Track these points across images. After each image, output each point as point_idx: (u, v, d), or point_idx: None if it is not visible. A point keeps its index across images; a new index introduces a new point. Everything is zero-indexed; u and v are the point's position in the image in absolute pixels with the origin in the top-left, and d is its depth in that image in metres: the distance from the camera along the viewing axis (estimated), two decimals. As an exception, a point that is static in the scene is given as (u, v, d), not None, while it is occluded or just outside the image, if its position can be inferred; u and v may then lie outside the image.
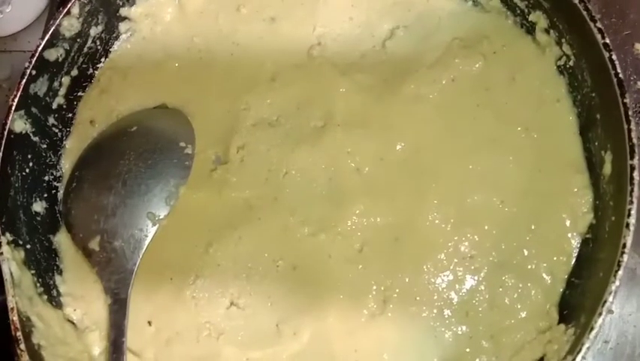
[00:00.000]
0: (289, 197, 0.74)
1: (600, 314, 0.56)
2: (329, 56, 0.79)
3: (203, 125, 0.79)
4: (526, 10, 0.76)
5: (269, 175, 0.75)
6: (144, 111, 0.81)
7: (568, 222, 0.68)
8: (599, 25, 0.62)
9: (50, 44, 0.76)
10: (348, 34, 0.80)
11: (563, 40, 0.71)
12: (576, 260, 0.67)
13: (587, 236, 0.68)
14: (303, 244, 0.73)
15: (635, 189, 0.57)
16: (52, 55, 0.77)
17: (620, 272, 0.56)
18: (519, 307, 0.67)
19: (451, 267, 0.69)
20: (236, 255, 0.74)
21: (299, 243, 0.73)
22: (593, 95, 0.68)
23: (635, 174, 0.58)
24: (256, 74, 0.80)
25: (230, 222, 0.74)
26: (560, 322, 0.66)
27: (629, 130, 0.59)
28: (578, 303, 0.65)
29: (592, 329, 0.56)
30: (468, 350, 0.67)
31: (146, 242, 0.73)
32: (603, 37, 0.62)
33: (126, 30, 0.84)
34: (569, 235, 0.68)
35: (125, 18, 0.84)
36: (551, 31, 0.73)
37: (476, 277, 0.69)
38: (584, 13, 0.64)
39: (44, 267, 0.76)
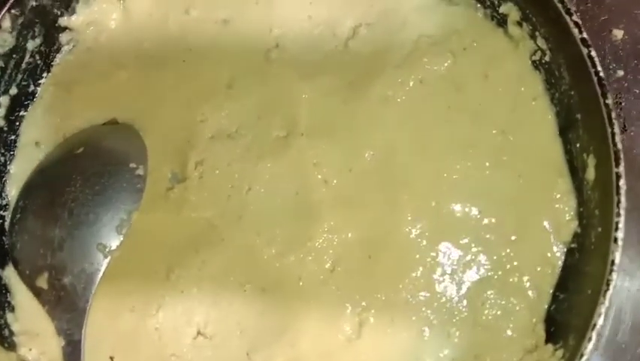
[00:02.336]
0: (254, 215, 0.71)
1: (590, 339, 0.52)
2: (288, 58, 0.75)
3: (157, 140, 0.75)
4: (496, 2, 0.72)
5: (231, 192, 0.72)
6: (92, 129, 0.76)
7: (551, 231, 0.66)
8: (575, 18, 0.57)
9: (-19, 64, 0.71)
10: (308, 34, 0.76)
11: (537, 33, 0.68)
12: (561, 272, 0.65)
13: (572, 246, 0.65)
14: (271, 265, 0.70)
15: (622, 199, 0.53)
16: None
17: (610, 292, 0.52)
18: (503, 324, 0.65)
19: (430, 284, 0.67)
20: (200, 280, 0.70)
21: (267, 265, 0.70)
22: (572, 92, 0.65)
23: (622, 182, 0.54)
24: (212, 81, 0.76)
25: (192, 245, 0.71)
26: (547, 340, 0.63)
27: (613, 134, 0.54)
28: (565, 320, 0.62)
29: (582, 355, 0.52)
30: (451, 372, 0.65)
31: (98, 276, 0.68)
32: (580, 32, 0.57)
33: (68, 41, 0.79)
34: (553, 244, 0.66)
35: (65, 28, 0.78)
36: (524, 23, 0.70)
37: (456, 294, 0.66)
38: (559, 5, 0.59)
39: (-7, 305, 0.71)
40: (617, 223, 0.54)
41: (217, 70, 0.76)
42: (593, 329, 0.52)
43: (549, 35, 0.66)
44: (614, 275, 0.52)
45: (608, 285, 0.52)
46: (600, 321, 0.52)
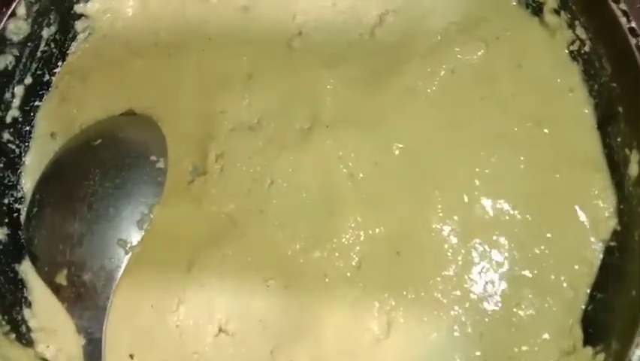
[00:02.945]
0: (276, 209, 0.69)
1: (638, 345, 0.49)
2: (312, 47, 0.74)
3: (176, 132, 0.73)
4: (532, -12, 0.70)
5: (252, 186, 0.70)
6: (109, 120, 0.74)
7: (588, 228, 0.64)
8: (622, 6, 0.54)
9: (-4, 52, 0.69)
10: (332, 21, 0.74)
11: (577, 22, 0.67)
12: (600, 271, 0.63)
13: (612, 244, 0.64)
14: (295, 261, 0.68)
15: (672, 196, 0.51)
16: (0, 63, 0.71)
17: (659, 294, 0.50)
18: (538, 325, 0.63)
19: (461, 283, 0.65)
20: (221, 274, 0.69)
21: (290, 260, 0.68)
22: (614, 85, 0.63)
23: (671, 180, 0.52)
24: (231, 71, 0.74)
25: (213, 240, 0.69)
26: (586, 342, 0.61)
27: (662, 129, 0.52)
28: (605, 322, 0.60)
29: (629, 361, 0.50)
30: (483, 374, 0.63)
31: (119, 273, 0.66)
32: (629, 21, 0.55)
33: (83, 29, 0.78)
34: (591, 242, 0.64)
35: (80, 15, 0.77)
36: (562, 12, 0.68)
37: (489, 294, 0.65)
38: (605, -8, 0.56)
39: (10, 301, 0.70)
40: (666, 223, 0.51)
41: (237, 59, 0.74)
42: (640, 334, 0.49)
43: (590, 24, 0.64)
44: (663, 276, 0.50)
45: (656, 286, 0.50)
46: (648, 325, 0.50)
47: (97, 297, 0.66)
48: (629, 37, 0.55)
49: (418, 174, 0.68)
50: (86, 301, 0.66)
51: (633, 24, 0.54)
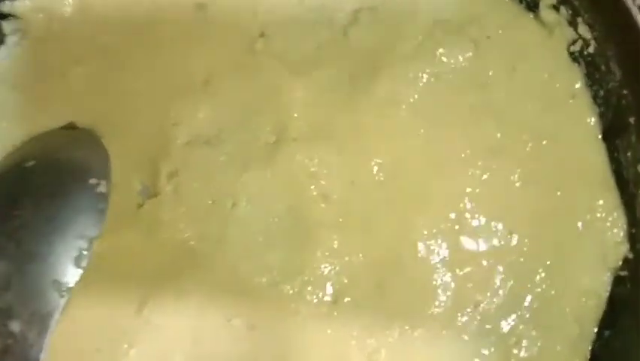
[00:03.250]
0: (240, 236, 0.65)
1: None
2: (277, 50, 0.69)
3: (122, 147, 0.68)
4: (527, -19, 0.67)
5: (212, 209, 0.65)
6: (46, 135, 0.68)
7: (595, 255, 0.61)
8: (639, 1, 0.49)
9: None
10: (300, 20, 0.70)
11: (579, 19, 0.63)
12: (608, 305, 0.60)
13: (622, 273, 0.60)
14: (262, 296, 0.63)
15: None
16: None
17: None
18: None
19: (451, 318, 0.61)
20: (177, 313, 0.63)
21: (256, 296, 0.63)
22: (625, 92, 0.59)
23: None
24: (185, 77, 0.70)
25: (168, 273, 0.64)
26: None
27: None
28: None
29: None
30: None
31: (54, 319, 0.59)
32: (645, 17, 0.50)
33: (13, 31, 0.72)
34: (598, 271, 0.61)
35: (7, 15, 0.71)
36: (562, 7, 0.65)
37: (484, 330, 0.61)
38: (616, -15, 0.51)
39: None
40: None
41: (191, 64, 0.70)
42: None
43: (596, 22, 0.60)
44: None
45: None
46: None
47: (28, 349, 0.59)
48: (644, 36, 0.49)
49: (401, 195, 0.64)
50: (15, 354, 0.59)
51: (648, 21, 0.49)
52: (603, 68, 0.61)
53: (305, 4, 0.70)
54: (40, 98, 0.71)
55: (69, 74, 0.70)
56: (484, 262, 0.62)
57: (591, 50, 0.62)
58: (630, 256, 0.59)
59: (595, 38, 0.61)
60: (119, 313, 0.64)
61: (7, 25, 0.71)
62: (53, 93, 0.71)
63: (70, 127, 0.69)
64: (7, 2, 0.70)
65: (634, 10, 0.50)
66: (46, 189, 0.63)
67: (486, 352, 0.59)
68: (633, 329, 0.55)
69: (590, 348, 0.59)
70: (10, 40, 0.72)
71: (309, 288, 0.62)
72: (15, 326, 0.59)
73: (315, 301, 0.62)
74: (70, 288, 0.61)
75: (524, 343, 0.59)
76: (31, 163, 0.65)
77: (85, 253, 0.62)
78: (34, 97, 0.71)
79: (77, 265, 0.61)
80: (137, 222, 0.66)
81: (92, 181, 0.64)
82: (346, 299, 0.62)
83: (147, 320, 0.63)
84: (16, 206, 0.62)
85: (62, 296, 0.60)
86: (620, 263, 0.60)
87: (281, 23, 0.70)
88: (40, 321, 0.59)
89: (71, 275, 0.61)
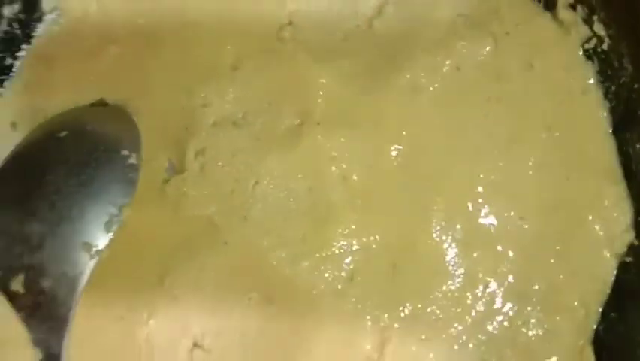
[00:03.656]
0: (261, 214, 0.66)
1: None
2: (304, 38, 0.71)
3: (151, 125, 0.70)
4: (545, -20, 0.69)
5: (235, 187, 0.67)
6: (77, 110, 0.70)
7: (602, 242, 0.63)
8: (655, 0, 0.52)
9: (-49, 32, 0.66)
10: (327, 10, 0.72)
11: (595, 17, 0.65)
12: (614, 289, 0.62)
13: (627, 260, 0.62)
14: (281, 272, 0.65)
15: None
16: None
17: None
18: (546, 346, 0.61)
19: (462, 299, 0.63)
20: (197, 286, 0.65)
21: (275, 271, 0.65)
22: (635, 86, 0.61)
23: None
24: (215, 61, 0.71)
25: (190, 247, 0.66)
26: None
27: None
28: (621, 345, 0.59)
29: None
30: (484, 402, 0.62)
31: (83, 280, 0.61)
32: (660, 17, 0.52)
33: (51, 9, 0.74)
34: (604, 257, 0.62)
35: None
36: (578, 6, 0.66)
37: (493, 312, 0.62)
38: (632, -17, 0.54)
39: (-43, 308, 0.64)
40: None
41: (221, 48, 0.72)
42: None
43: (611, 20, 0.63)
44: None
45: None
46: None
47: (57, 307, 0.60)
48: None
49: (418, 179, 0.66)
50: (44, 311, 0.60)
51: (664, 19, 0.52)
52: (616, 64, 0.63)
53: None
54: (73, 74, 0.73)
55: (102, 53, 0.72)
56: (496, 246, 0.63)
57: (605, 47, 0.64)
58: (636, 242, 0.61)
59: (609, 36, 0.63)
60: (141, 283, 0.66)
61: (46, 4, 0.74)
62: (86, 70, 0.73)
63: (101, 104, 0.71)
64: None
65: None
66: (79, 158, 0.65)
67: (494, 330, 0.61)
68: (637, 313, 0.57)
69: (594, 329, 0.61)
70: (48, 17, 0.74)
71: (326, 265, 0.64)
72: (46, 284, 0.60)
73: (331, 277, 0.64)
74: (100, 250, 0.62)
75: (532, 323, 0.61)
76: (63, 133, 0.66)
77: (115, 218, 0.63)
78: (67, 73, 0.73)
79: (107, 229, 0.63)
80: (163, 197, 0.68)
81: (124, 153, 0.66)
82: (361, 277, 0.64)
83: (168, 291, 0.65)
84: (50, 172, 0.64)
85: (92, 258, 0.62)
86: (626, 250, 0.61)
87: (308, 13, 0.72)
88: (70, 281, 0.60)
89: (101, 239, 0.62)
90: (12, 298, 0.61)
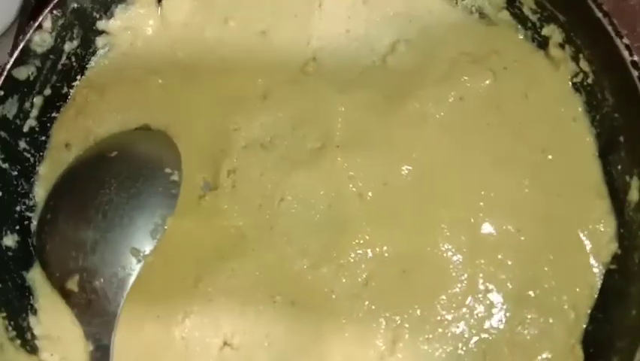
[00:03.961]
0: (286, 226, 0.70)
1: (639, 361, 0.52)
2: (325, 72, 0.75)
3: (189, 147, 0.74)
4: (538, 24, 0.73)
5: (263, 202, 0.71)
6: (125, 133, 0.76)
7: (589, 252, 0.66)
8: (626, 41, 0.58)
9: (20, 62, 0.71)
10: (346, 48, 0.76)
11: (581, 55, 0.69)
12: (600, 293, 0.65)
13: (612, 267, 0.65)
14: (303, 277, 0.68)
15: (672, 220, 0.54)
16: (23, 73, 0.72)
17: (659, 313, 0.52)
18: (540, 345, 0.64)
19: (466, 302, 0.66)
20: (228, 289, 0.69)
21: (298, 276, 0.68)
22: (616, 115, 0.65)
23: (672, 204, 0.54)
24: (246, 91, 0.75)
25: (222, 254, 0.70)
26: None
27: (661, 157, 0.55)
28: (606, 342, 0.62)
29: (629, 376, 0.52)
30: (486, 393, 0.64)
31: (130, 281, 0.67)
32: (631, 55, 0.59)
33: (104, 45, 0.79)
34: (592, 265, 0.66)
35: (102, 32, 0.79)
36: (567, 46, 0.70)
37: (493, 313, 0.66)
38: (609, 27, 0.60)
39: (16, 307, 0.70)
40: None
41: (252, 80, 0.76)
42: (641, 350, 0.51)
43: (594, 58, 0.67)
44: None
45: (656, 304, 0.52)
46: (649, 342, 0.52)
47: (107, 304, 0.66)
48: (632, 70, 0.58)
49: (426, 195, 0.69)
50: (96, 307, 0.66)
51: (635, 58, 0.58)
52: (599, 96, 0.67)
53: (351, 35, 0.76)
54: (120, 102, 0.77)
55: (146, 83, 0.77)
56: (495, 255, 0.66)
57: (590, 81, 0.68)
58: (619, 252, 0.64)
59: (593, 71, 0.67)
60: (178, 286, 0.69)
61: (100, 40, 0.78)
62: (131, 98, 0.77)
63: (145, 128, 0.76)
64: (102, 21, 0.77)
65: (623, 49, 0.58)
66: (128, 174, 0.70)
67: (494, 330, 0.65)
68: (621, 312, 0.60)
69: (584, 328, 0.64)
70: (101, 52, 0.79)
71: (344, 271, 0.67)
72: (98, 284, 0.66)
73: (348, 283, 0.67)
74: (147, 255, 0.68)
75: (527, 324, 0.64)
76: (114, 153, 0.72)
77: (159, 227, 0.69)
78: (115, 101, 0.77)
79: (153, 236, 0.69)
80: (198, 211, 0.71)
81: (167, 170, 0.71)
82: (375, 283, 0.67)
83: (202, 294, 0.69)
84: (102, 186, 0.70)
85: (139, 261, 0.68)
86: (611, 258, 0.65)
87: (330, 50, 0.76)
88: (120, 281, 0.66)
89: (148, 244, 0.68)
90: (67, 296, 0.67)
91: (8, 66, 0.69)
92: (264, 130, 0.74)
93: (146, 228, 0.69)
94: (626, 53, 0.59)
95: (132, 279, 0.67)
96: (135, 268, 0.68)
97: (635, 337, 0.53)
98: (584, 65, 0.69)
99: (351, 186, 0.70)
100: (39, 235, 0.71)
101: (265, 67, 0.76)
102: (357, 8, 0.77)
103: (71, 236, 0.68)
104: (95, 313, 0.66)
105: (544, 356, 0.63)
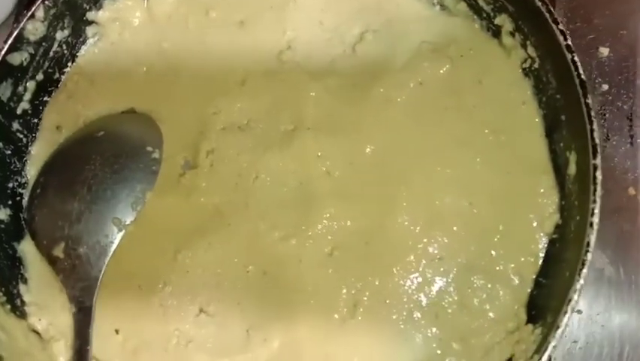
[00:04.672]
0: (259, 202, 0.73)
1: (565, 313, 0.56)
2: (299, 60, 0.79)
3: (172, 129, 0.78)
4: (491, 14, 0.76)
5: (239, 180, 0.74)
6: (111, 116, 0.79)
7: (535, 223, 0.69)
8: (561, 27, 0.63)
9: (14, 48, 0.75)
10: (319, 38, 0.80)
11: (528, 42, 0.72)
12: (543, 260, 0.68)
13: (554, 236, 0.68)
14: (274, 249, 0.72)
15: (598, 188, 0.59)
16: (16, 59, 0.76)
17: (585, 271, 0.57)
18: (488, 308, 0.67)
19: (420, 269, 0.69)
20: (205, 262, 0.72)
21: (269, 248, 0.72)
22: (558, 96, 0.69)
23: (598, 173, 0.59)
24: (226, 78, 0.79)
25: (200, 229, 0.73)
26: (528, 322, 0.66)
27: (592, 130, 0.60)
28: (545, 303, 0.65)
29: (558, 327, 0.56)
30: (439, 351, 0.68)
31: (112, 248, 0.71)
32: (565, 39, 0.63)
33: (93, 34, 0.83)
34: (537, 235, 0.69)
35: (92, 22, 0.82)
36: (516, 34, 0.73)
37: (445, 279, 0.69)
38: (547, 15, 0.65)
39: (8, 276, 0.74)
40: (592, 209, 0.58)
41: (232, 68, 0.79)
42: (568, 304, 0.56)
43: (538, 44, 0.70)
44: (589, 255, 0.56)
45: (583, 265, 0.57)
46: (575, 297, 0.56)
47: (90, 269, 0.70)
48: (566, 53, 0.63)
49: (388, 174, 0.72)
50: (79, 272, 0.70)
51: (569, 42, 0.63)
52: (545, 79, 0.70)
53: (324, 26, 0.80)
54: (109, 88, 0.81)
55: (133, 71, 0.80)
56: (449, 228, 0.69)
57: (536, 66, 0.71)
58: (560, 222, 0.67)
59: (539, 57, 0.70)
60: (158, 258, 0.73)
61: (90, 30, 0.82)
62: (119, 85, 0.81)
63: (131, 111, 0.80)
64: (92, 12, 0.81)
65: (559, 34, 0.62)
66: (113, 151, 0.75)
67: (446, 294, 0.68)
68: (558, 276, 0.64)
69: (528, 293, 0.67)
70: (91, 41, 0.82)
71: (310, 242, 0.70)
72: (82, 251, 0.70)
73: (315, 253, 0.70)
74: (127, 225, 0.72)
75: (475, 289, 0.68)
76: (100, 133, 0.77)
77: (140, 200, 0.73)
78: (104, 87, 0.81)
79: (134, 208, 0.73)
80: (178, 188, 0.75)
81: (149, 148, 0.75)
82: (339, 253, 0.70)
83: (180, 265, 0.72)
84: (88, 162, 0.74)
85: (120, 230, 0.72)
86: (553, 229, 0.68)
87: (304, 40, 0.79)
88: (102, 248, 0.71)
89: (129, 215, 0.72)
90: (53, 262, 0.71)
91: (3, 52, 0.74)
92: (241, 114, 0.77)
93: (128, 200, 0.73)
94: (561, 38, 0.63)
95: (114, 246, 0.71)
96: (117, 236, 0.72)
97: (565, 295, 0.57)
98: (531, 51, 0.72)
99: (319, 165, 0.74)
100: (29, 208, 0.76)
101: (244, 55, 0.79)
102: (330, 1, 0.81)
103: (58, 208, 0.72)
104: (79, 278, 0.70)
105: (488, 317, 0.67)
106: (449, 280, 0.69)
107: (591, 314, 0.75)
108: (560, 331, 0.56)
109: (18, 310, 0.73)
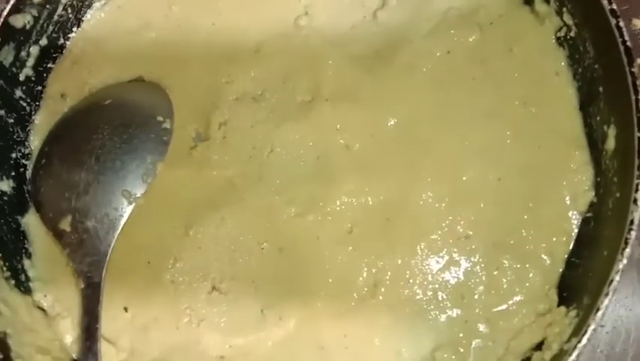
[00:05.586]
0: (274, 176, 0.72)
1: (607, 295, 0.54)
2: (317, 26, 0.76)
3: (182, 99, 0.75)
4: (524, -22, 0.73)
5: (253, 153, 0.72)
6: (119, 84, 0.77)
7: (568, 201, 0.67)
8: (606, -10, 0.59)
9: (16, 9, 0.71)
10: (338, 3, 0.77)
11: (564, 9, 0.69)
12: (575, 240, 0.66)
13: (588, 215, 0.66)
14: (290, 225, 0.70)
15: (643, 162, 0.55)
16: (19, 21, 0.73)
17: (628, 250, 0.54)
18: (517, 289, 0.65)
19: (446, 248, 0.67)
20: (218, 237, 0.71)
21: (285, 224, 0.70)
22: (596, 66, 0.66)
23: (644, 147, 0.56)
24: (239, 44, 0.76)
25: (212, 203, 0.72)
26: (559, 304, 0.64)
27: (637, 101, 0.56)
28: (579, 284, 0.63)
29: (598, 309, 0.54)
30: (463, 334, 0.66)
31: (121, 222, 0.69)
32: (610, 3, 0.59)
33: None
34: (569, 213, 0.67)
35: None
36: (551, 0, 0.71)
37: (472, 259, 0.67)
38: (590, -21, 0.61)
39: (12, 250, 0.72)
40: (637, 185, 0.55)
41: (245, 33, 0.77)
42: (610, 285, 0.53)
43: (576, 10, 0.67)
44: (633, 233, 0.54)
45: (626, 243, 0.54)
46: (617, 278, 0.53)
47: (99, 243, 0.68)
48: (610, 17, 0.59)
49: (411, 146, 0.70)
50: (87, 247, 0.68)
51: (614, 6, 0.59)
52: (581, 48, 0.67)
53: None
54: (116, 54, 0.78)
55: (141, 37, 0.78)
56: (477, 204, 0.67)
57: (572, 34, 0.68)
58: (595, 200, 0.65)
59: (576, 24, 0.67)
60: (169, 233, 0.71)
61: None
62: (127, 51, 0.78)
63: (139, 80, 0.77)
64: None
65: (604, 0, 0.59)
66: (121, 120, 0.72)
67: (472, 274, 0.66)
68: (595, 256, 0.61)
69: (559, 274, 0.65)
70: (97, 5, 0.79)
71: (329, 219, 0.69)
72: (90, 224, 0.68)
73: (333, 230, 0.68)
74: (137, 198, 0.70)
75: (504, 269, 0.65)
76: (108, 101, 0.74)
77: (150, 171, 0.70)
78: (110, 53, 0.78)
79: (144, 180, 0.70)
80: (190, 161, 0.73)
81: (159, 118, 0.73)
82: (359, 230, 0.68)
83: (192, 241, 0.70)
84: (95, 131, 0.71)
85: (130, 203, 0.69)
86: (587, 207, 0.66)
87: (322, 4, 0.76)
88: (111, 222, 0.68)
89: (139, 187, 0.70)
90: (60, 236, 0.69)
91: (4, 13, 0.70)
92: (255, 83, 0.75)
93: (138, 171, 0.70)
94: (605, 2, 0.59)
95: (123, 220, 0.69)
96: (126, 209, 0.69)
97: (604, 275, 0.55)
98: (567, 18, 0.69)
99: (338, 138, 0.71)
100: (33, 179, 0.73)
101: (258, 20, 0.77)
102: (349, -37, 0.78)
103: (64, 178, 0.70)
104: (87, 253, 0.68)
105: (519, 300, 0.65)
106: (476, 260, 0.67)
107: (619, 298, 0.72)
108: (600, 313, 0.53)
109: (22, 285, 0.71)
